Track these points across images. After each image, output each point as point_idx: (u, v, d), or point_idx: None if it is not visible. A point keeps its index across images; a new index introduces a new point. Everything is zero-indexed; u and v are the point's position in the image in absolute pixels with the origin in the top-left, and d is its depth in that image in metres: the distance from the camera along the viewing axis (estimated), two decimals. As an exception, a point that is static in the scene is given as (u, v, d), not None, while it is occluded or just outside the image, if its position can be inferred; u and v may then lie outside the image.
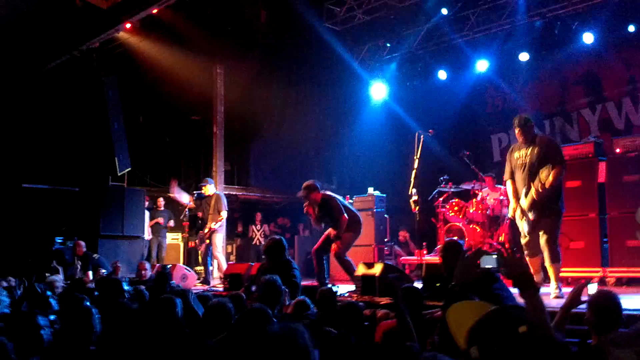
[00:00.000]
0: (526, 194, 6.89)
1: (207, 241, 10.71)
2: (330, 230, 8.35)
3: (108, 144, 12.24)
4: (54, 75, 12.87)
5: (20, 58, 12.23)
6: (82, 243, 11.02)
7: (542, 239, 6.77)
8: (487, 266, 2.84)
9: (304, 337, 1.97)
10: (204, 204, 11.02)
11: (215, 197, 10.85)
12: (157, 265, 10.98)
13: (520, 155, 7.01)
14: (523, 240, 7.02)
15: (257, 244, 15.03)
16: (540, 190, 6.70)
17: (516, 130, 7.00)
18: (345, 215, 8.17)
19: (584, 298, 3.56)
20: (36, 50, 12.31)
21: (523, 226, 6.95)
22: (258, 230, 15.14)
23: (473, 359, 1.87)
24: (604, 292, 3.61)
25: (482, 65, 12.47)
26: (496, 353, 1.81)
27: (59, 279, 7.80)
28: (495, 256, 2.78)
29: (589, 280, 3.74)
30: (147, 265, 9.95)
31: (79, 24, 11.85)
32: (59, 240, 12.46)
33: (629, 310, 4.99)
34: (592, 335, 3.50)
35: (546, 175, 6.73)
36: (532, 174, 6.87)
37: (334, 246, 8.19)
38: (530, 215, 6.83)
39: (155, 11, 11.12)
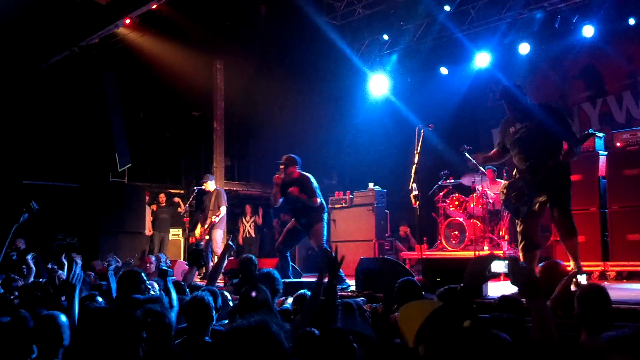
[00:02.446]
0: (530, 170, 6.37)
1: (207, 237, 10.72)
2: (290, 225, 8.40)
3: (108, 140, 12.25)
4: (54, 72, 12.87)
5: (20, 54, 12.22)
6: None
7: (556, 214, 6.40)
8: (496, 271, 2.85)
9: (275, 327, 1.98)
10: (205, 200, 11.03)
11: (215, 193, 10.87)
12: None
13: (515, 130, 6.55)
14: (518, 224, 6.70)
15: (247, 236, 14.99)
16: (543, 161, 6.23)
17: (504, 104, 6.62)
18: (318, 199, 8.20)
19: (573, 288, 3.56)
20: (36, 47, 12.30)
21: (522, 208, 6.52)
22: (247, 222, 15.09)
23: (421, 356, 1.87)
24: (593, 286, 3.61)
25: (482, 59, 12.43)
26: (442, 349, 1.82)
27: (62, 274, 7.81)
28: (506, 262, 2.77)
29: (578, 271, 3.74)
30: (153, 260, 9.93)
31: (78, 20, 11.84)
32: (60, 237, 12.45)
33: (630, 303, 5.00)
34: (581, 330, 3.50)
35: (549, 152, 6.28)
36: (534, 147, 6.41)
37: (312, 242, 8.31)
38: (538, 198, 6.44)
39: (154, 7, 11.11)
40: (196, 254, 6.31)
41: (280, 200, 8.38)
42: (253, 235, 15.03)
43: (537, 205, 6.51)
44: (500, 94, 6.76)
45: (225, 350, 1.94)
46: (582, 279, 3.61)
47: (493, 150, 7.10)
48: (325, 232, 8.28)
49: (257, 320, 1.98)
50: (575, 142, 6.30)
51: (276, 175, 8.29)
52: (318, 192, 8.26)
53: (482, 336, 1.87)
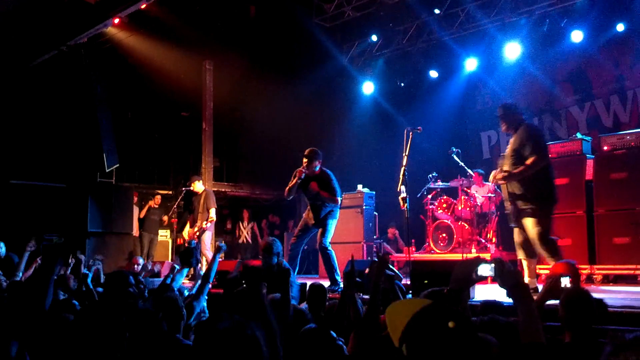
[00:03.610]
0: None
1: (197, 240, 10.67)
2: (306, 221, 8.29)
3: (96, 140, 12.17)
4: (42, 71, 12.78)
5: (7, 53, 12.13)
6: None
7: (534, 239, 6.65)
8: (483, 274, 2.85)
9: (253, 329, 1.97)
10: (194, 201, 10.98)
11: (204, 194, 10.82)
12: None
13: (508, 145, 6.98)
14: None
15: (244, 242, 14.99)
16: (508, 174, 6.66)
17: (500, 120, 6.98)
18: (339, 198, 8.17)
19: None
20: (23, 46, 12.21)
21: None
22: (245, 228, 15.10)
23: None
24: (576, 289, 3.63)
25: (471, 63, 12.50)
26: (426, 349, 1.81)
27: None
28: (492, 265, 2.77)
29: (561, 273, 3.75)
30: (140, 260, 9.91)
31: (66, 19, 11.76)
32: (47, 237, 12.35)
33: (616, 307, 5.02)
34: (565, 332, 3.52)
35: (509, 165, 6.69)
36: (509, 165, 6.82)
37: (319, 237, 8.15)
38: (510, 209, 6.83)
39: (143, 6, 11.04)
40: (188, 253, 6.16)
41: (294, 194, 8.27)
42: (250, 241, 15.02)
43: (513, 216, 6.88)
44: (500, 111, 7.04)
45: (198, 351, 1.93)
46: (565, 281, 3.62)
47: None
48: (331, 230, 8.22)
49: (233, 322, 1.96)
50: (532, 157, 6.58)
51: (299, 169, 8.10)
52: (338, 189, 8.19)
53: (468, 338, 1.86)
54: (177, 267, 5.96)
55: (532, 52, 11.85)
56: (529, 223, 6.63)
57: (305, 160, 8.10)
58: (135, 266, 9.48)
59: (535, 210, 6.63)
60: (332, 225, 8.20)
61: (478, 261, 2.90)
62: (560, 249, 6.81)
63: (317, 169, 8.15)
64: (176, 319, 4.00)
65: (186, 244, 11.01)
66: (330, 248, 8.10)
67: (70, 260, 6.79)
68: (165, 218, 13.53)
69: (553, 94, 12.13)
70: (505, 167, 6.82)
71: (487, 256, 9.44)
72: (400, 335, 1.90)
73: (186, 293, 5.80)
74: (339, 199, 8.20)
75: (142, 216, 13.42)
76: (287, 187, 8.24)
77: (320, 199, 8.09)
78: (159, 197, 13.88)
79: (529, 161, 6.56)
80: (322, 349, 2.96)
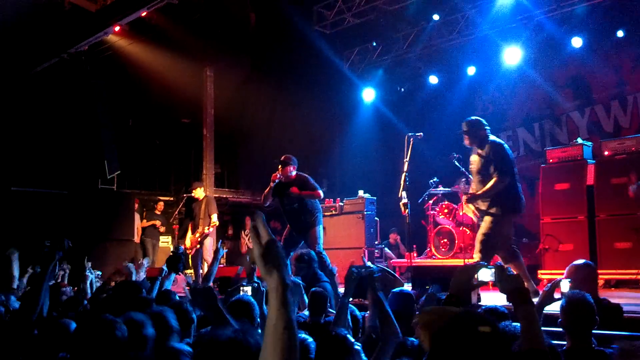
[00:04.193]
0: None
1: (198, 246, 10.66)
2: (286, 233, 8.31)
3: (97, 147, 12.21)
4: (43, 78, 12.81)
5: (8, 61, 12.16)
6: None
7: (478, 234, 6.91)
8: (483, 279, 2.86)
9: (255, 338, 1.94)
10: (195, 207, 10.96)
11: (205, 201, 10.80)
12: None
13: (472, 161, 7.13)
14: None
15: (248, 249, 14.96)
16: (471, 196, 6.91)
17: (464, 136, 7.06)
18: (321, 191, 8.19)
19: (556, 296, 3.57)
20: (25, 53, 12.25)
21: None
22: (247, 236, 15.07)
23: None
24: (577, 294, 3.63)
25: (471, 69, 12.53)
26: (455, 353, 1.83)
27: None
28: (492, 270, 2.78)
29: (561, 278, 3.75)
30: (145, 263, 9.82)
31: (67, 27, 11.80)
32: (48, 244, 12.34)
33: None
34: (566, 338, 3.52)
35: (476, 183, 6.91)
36: (475, 181, 7.05)
37: (309, 247, 8.07)
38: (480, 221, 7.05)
39: (144, 14, 11.09)
40: (174, 260, 6.13)
41: (270, 200, 8.29)
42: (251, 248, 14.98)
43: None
44: (464, 127, 7.06)
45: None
46: (565, 286, 3.62)
47: None
48: (320, 235, 8.19)
49: (232, 333, 1.94)
50: (497, 176, 6.76)
51: (274, 174, 8.16)
52: (317, 185, 8.25)
53: (498, 343, 1.88)
54: (165, 270, 5.92)
55: (532, 58, 11.87)
56: (485, 221, 6.83)
57: (280, 166, 8.19)
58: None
59: (496, 214, 6.80)
60: (320, 231, 8.20)
61: (478, 267, 2.90)
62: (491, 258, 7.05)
63: (293, 173, 8.22)
64: (187, 324, 3.96)
65: (188, 251, 11.01)
66: (324, 253, 8.06)
67: (64, 266, 6.79)
68: (158, 223, 13.43)
69: (553, 100, 12.14)
70: (473, 185, 7.06)
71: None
72: (432, 338, 1.92)
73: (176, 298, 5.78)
74: (321, 192, 8.22)
75: (145, 225, 13.39)
76: (263, 194, 8.29)
77: (298, 201, 8.10)
78: (161, 203, 13.88)
79: (492, 182, 6.72)
80: (341, 353, 2.94)
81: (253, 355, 1.90)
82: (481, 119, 7.16)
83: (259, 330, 2.58)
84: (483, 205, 6.86)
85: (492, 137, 7.03)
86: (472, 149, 7.08)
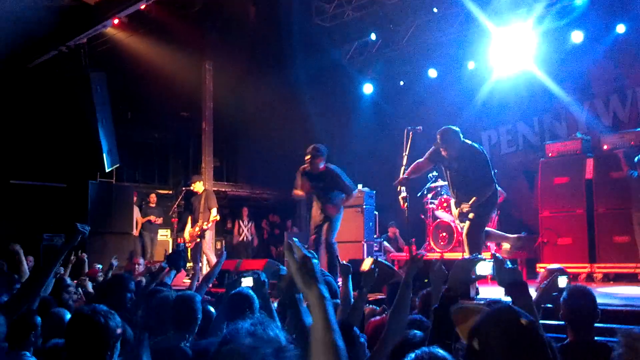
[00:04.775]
0: (455, 204, 7.20)
1: (198, 239, 10.65)
2: (315, 218, 8.16)
3: (96, 140, 12.17)
4: (42, 71, 12.79)
5: (7, 54, 12.14)
6: None
7: (464, 230, 6.98)
8: (481, 273, 2.86)
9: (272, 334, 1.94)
10: (194, 201, 10.93)
11: (205, 194, 10.77)
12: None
13: (448, 165, 7.13)
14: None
15: (245, 240, 14.98)
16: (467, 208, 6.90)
17: (440, 146, 7.07)
18: (354, 191, 8.14)
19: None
20: (23, 46, 12.23)
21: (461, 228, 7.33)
22: (246, 226, 15.08)
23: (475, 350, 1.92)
24: (578, 288, 3.63)
25: (470, 63, 12.50)
26: (499, 345, 1.85)
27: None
28: (491, 263, 2.78)
29: (559, 272, 3.75)
30: (141, 261, 9.87)
31: (66, 20, 11.77)
32: (47, 237, 12.38)
33: (616, 306, 5.04)
34: (567, 331, 3.52)
35: (467, 208, 6.89)
36: (457, 188, 7.08)
37: (324, 234, 8.03)
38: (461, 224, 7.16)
39: (143, 7, 11.05)
40: (175, 257, 6.14)
41: (304, 193, 8.08)
42: (249, 238, 15.02)
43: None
44: (440, 137, 7.09)
45: None
46: (562, 281, 3.63)
47: (423, 159, 7.34)
48: (337, 228, 8.11)
49: (247, 344, 1.90)
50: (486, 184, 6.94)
51: (302, 167, 7.99)
52: (349, 181, 8.11)
53: (536, 335, 1.90)
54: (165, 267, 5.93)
55: (531, 51, 11.84)
56: (472, 220, 6.93)
57: (307, 157, 7.96)
58: (137, 266, 9.44)
59: (482, 215, 6.96)
60: (338, 221, 8.12)
61: (477, 260, 2.91)
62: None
63: (322, 165, 7.99)
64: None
65: (187, 244, 11.01)
66: (335, 245, 8.03)
67: (71, 258, 6.79)
68: (153, 218, 13.42)
69: (553, 93, 12.13)
70: (456, 192, 7.14)
71: (487, 255, 9.45)
72: (470, 330, 1.94)
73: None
74: (354, 191, 8.16)
75: (142, 221, 13.39)
76: (293, 192, 8.16)
77: (326, 193, 7.97)
78: (153, 195, 13.84)
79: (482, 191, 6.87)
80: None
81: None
82: (453, 127, 7.20)
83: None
84: (466, 207, 6.91)
85: (467, 141, 7.14)
86: (446, 155, 7.10)
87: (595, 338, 3.50)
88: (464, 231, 6.99)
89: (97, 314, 2.74)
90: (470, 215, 6.85)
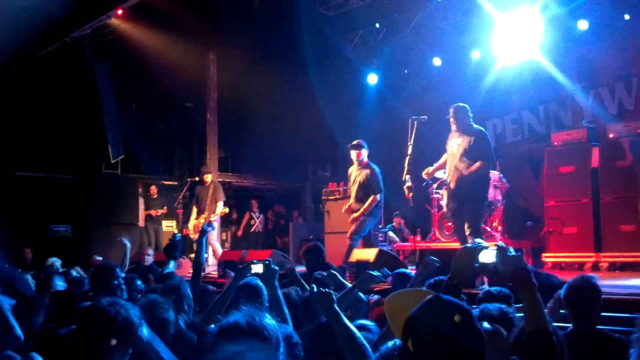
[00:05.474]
0: (447, 185, 7.33)
1: (204, 229, 10.65)
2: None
3: (101, 131, 12.20)
4: (46, 63, 12.79)
5: (11, 46, 12.13)
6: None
7: (467, 229, 6.98)
8: (485, 262, 2.83)
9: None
10: (201, 192, 10.90)
11: (213, 186, 10.75)
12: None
13: (452, 144, 7.27)
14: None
15: (256, 230, 14.99)
16: (460, 175, 7.00)
17: (450, 120, 7.26)
18: (379, 196, 8.21)
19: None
20: (28, 38, 12.21)
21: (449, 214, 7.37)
22: (257, 218, 15.09)
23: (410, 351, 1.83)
24: (582, 277, 3.62)
25: (475, 52, 12.44)
26: (430, 343, 1.78)
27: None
28: (494, 251, 2.75)
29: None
30: (150, 251, 9.85)
31: (70, 11, 11.75)
32: (54, 228, 12.43)
33: (623, 295, 5.03)
34: (571, 320, 3.52)
35: (465, 167, 6.98)
36: (456, 158, 7.17)
37: (351, 229, 8.23)
38: (450, 205, 7.21)
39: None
40: (172, 247, 6.26)
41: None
42: (261, 229, 15.06)
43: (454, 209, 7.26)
44: (453, 111, 7.31)
45: None
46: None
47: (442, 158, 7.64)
48: (365, 227, 8.30)
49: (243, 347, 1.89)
50: (482, 160, 7.02)
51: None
52: (381, 185, 8.33)
53: (472, 330, 1.84)
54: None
55: (537, 40, 11.77)
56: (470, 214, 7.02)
57: (353, 150, 8.41)
58: (146, 256, 9.39)
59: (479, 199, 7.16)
60: (366, 223, 8.30)
61: (479, 248, 2.88)
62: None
63: (365, 159, 8.42)
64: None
65: (191, 235, 11.03)
66: (355, 242, 8.15)
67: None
68: (154, 212, 13.41)
69: (558, 82, 12.07)
70: (458, 165, 7.16)
71: (492, 245, 9.43)
72: (403, 328, 1.88)
73: None
74: (378, 197, 8.26)
75: (144, 214, 13.39)
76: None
77: (362, 191, 8.26)
78: (154, 187, 13.84)
79: (478, 164, 6.97)
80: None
81: None
82: (467, 106, 7.36)
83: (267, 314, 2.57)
84: (473, 167, 7.00)
85: (476, 125, 7.30)
86: (451, 133, 7.34)
87: (600, 327, 3.50)
88: (467, 219, 7.02)
89: (111, 305, 2.76)
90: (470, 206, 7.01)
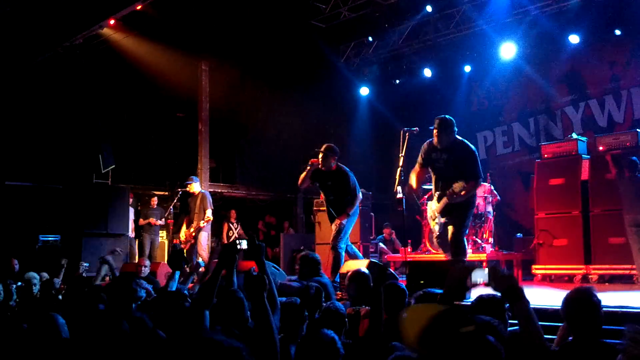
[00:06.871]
0: (438, 199, 6.98)
1: (193, 240, 10.65)
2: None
3: (92, 141, 12.16)
4: (38, 72, 12.76)
5: (2, 55, 12.10)
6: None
7: (450, 233, 6.83)
8: (477, 281, 2.85)
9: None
10: (190, 202, 10.92)
11: (200, 196, 10.76)
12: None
13: (436, 158, 7.02)
14: (436, 240, 7.26)
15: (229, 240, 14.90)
16: (454, 196, 6.74)
17: (434, 131, 7.00)
18: (359, 195, 8.10)
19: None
20: (19, 47, 12.19)
21: (436, 227, 7.09)
22: (236, 229, 15.01)
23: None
24: (582, 290, 3.62)
25: (467, 64, 12.53)
26: (443, 353, 1.81)
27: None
28: (486, 271, 2.78)
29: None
30: (147, 262, 9.75)
31: (62, 20, 11.74)
32: (43, 238, 12.34)
33: (611, 307, 5.04)
34: (571, 333, 3.52)
35: (459, 187, 6.75)
36: (445, 180, 6.92)
37: (332, 235, 7.99)
38: (441, 219, 6.97)
39: (139, 7, 11.04)
40: (177, 256, 6.08)
41: (307, 184, 8.17)
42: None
43: (443, 225, 7.01)
44: (439, 124, 7.01)
45: None
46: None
47: (417, 169, 7.27)
48: (348, 230, 8.07)
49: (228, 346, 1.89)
50: (475, 180, 6.81)
51: (313, 159, 8.03)
52: (357, 187, 8.11)
53: (481, 342, 1.87)
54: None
55: (527, 53, 11.88)
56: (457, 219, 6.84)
57: (320, 154, 8.03)
58: (143, 268, 9.21)
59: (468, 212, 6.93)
60: (349, 224, 8.07)
61: (471, 268, 2.91)
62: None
63: (334, 165, 8.07)
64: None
65: (182, 245, 10.98)
66: (342, 250, 7.97)
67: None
68: (153, 220, 13.33)
69: (548, 94, 12.16)
70: (439, 183, 7.00)
71: (482, 257, 9.46)
72: (416, 338, 1.91)
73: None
74: (359, 196, 8.12)
75: (142, 223, 13.32)
76: (300, 177, 8.17)
77: (337, 195, 8.03)
78: (155, 198, 13.82)
79: (471, 184, 6.75)
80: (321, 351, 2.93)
81: None
82: (453, 119, 7.14)
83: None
84: (458, 186, 6.80)
85: (459, 138, 7.08)
86: (430, 144, 7.08)
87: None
88: (451, 235, 6.81)
89: None
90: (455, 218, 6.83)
